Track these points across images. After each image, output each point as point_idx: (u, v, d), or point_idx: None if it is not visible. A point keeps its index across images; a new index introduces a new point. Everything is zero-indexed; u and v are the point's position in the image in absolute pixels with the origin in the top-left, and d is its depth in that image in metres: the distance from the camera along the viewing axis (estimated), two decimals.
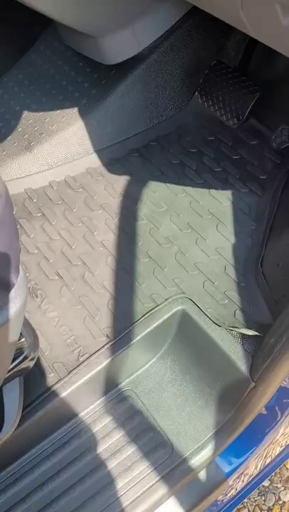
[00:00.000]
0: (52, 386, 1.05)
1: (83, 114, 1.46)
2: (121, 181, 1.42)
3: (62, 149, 1.45)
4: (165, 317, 1.15)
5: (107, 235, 1.32)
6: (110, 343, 1.11)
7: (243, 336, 1.09)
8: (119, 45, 1.44)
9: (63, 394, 1.06)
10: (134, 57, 1.45)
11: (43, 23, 1.67)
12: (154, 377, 1.20)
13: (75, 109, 1.47)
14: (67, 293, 1.22)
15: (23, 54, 1.67)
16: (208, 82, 1.40)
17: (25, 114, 1.51)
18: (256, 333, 1.06)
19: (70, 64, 1.55)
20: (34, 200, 1.40)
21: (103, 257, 1.27)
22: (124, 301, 1.19)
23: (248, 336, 1.08)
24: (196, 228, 1.29)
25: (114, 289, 1.21)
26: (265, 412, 1.14)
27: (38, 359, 1.10)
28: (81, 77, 1.51)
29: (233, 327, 1.10)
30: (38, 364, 1.09)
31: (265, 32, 0.94)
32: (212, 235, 1.28)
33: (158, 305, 1.17)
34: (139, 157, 1.47)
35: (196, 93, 1.45)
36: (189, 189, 1.38)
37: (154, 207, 1.36)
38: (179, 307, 1.16)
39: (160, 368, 1.20)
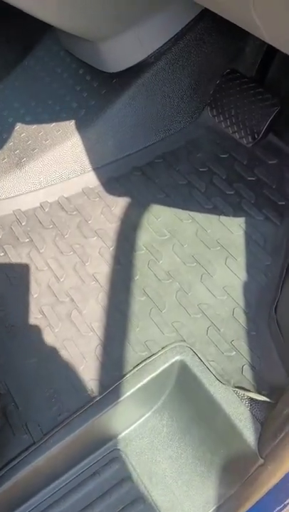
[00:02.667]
0: (23, 452, 0.90)
1: (81, 127, 1.30)
2: (120, 204, 1.27)
3: (56, 167, 1.30)
4: (161, 369, 0.99)
5: (100, 267, 1.16)
6: (95, 400, 0.95)
7: (252, 399, 0.91)
8: (122, 51, 1.28)
9: (37, 461, 0.90)
10: (138, 64, 1.29)
11: (44, 27, 1.53)
12: (147, 435, 1.03)
13: (72, 122, 1.32)
14: (50, 335, 1.06)
15: (22, 60, 1.54)
16: (219, 93, 1.23)
17: (18, 126, 1.37)
18: (267, 399, 0.88)
19: (68, 71, 1.40)
20: (23, 224, 1.26)
21: (94, 292, 1.12)
22: (114, 348, 1.03)
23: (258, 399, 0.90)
24: (202, 262, 1.12)
25: (103, 332, 1.05)
26: (275, 487, 0.96)
27: (9, 415, 0.95)
28: (80, 86, 1.36)
29: (239, 387, 0.93)
30: (8, 422, 0.94)
31: (283, 36, 0.77)
32: (220, 271, 1.11)
33: (153, 354, 1.00)
34: (142, 176, 1.31)
35: (207, 105, 1.28)
36: (196, 215, 1.21)
37: (156, 235, 1.19)
38: (178, 357, 1.00)
39: (155, 425, 1.04)
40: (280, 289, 1.03)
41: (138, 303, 1.08)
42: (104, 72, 1.33)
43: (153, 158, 1.34)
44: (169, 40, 1.26)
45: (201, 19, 1.25)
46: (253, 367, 0.96)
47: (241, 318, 1.03)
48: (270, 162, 1.25)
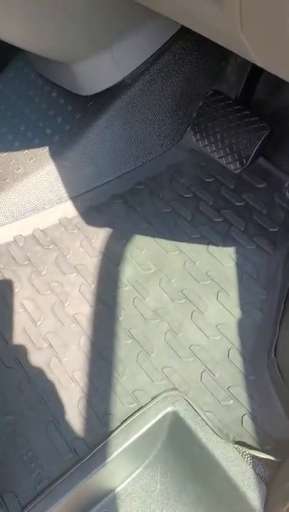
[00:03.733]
0: None
1: (56, 154, 1.21)
2: (101, 235, 1.17)
3: (30, 197, 1.20)
4: (151, 423, 0.89)
5: (81, 307, 1.06)
6: (80, 464, 0.85)
7: (255, 456, 0.82)
8: (97, 73, 1.20)
9: None
10: (114, 86, 1.21)
11: (13, 47, 1.45)
12: (139, 494, 0.93)
13: (46, 149, 1.23)
14: (27, 388, 0.96)
15: None
16: (202, 116, 1.16)
17: None
18: (271, 457, 0.79)
19: (41, 95, 1.32)
20: None
21: (75, 336, 1.02)
22: (99, 401, 0.93)
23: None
24: (192, 298, 1.04)
25: (87, 382, 0.95)
26: None
27: None
28: (53, 111, 1.28)
29: (240, 443, 0.83)
30: None
31: (274, 59, 0.70)
32: (212, 308, 1.02)
33: (142, 407, 0.90)
34: (123, 204, 1.23)
35: (189, 129, 1.20)
36: (183, 246, 1.12)
37: (140, 269, 1.10)
38: (170, 409, 0.90)
39: (147, 482, 0.93)
40: (278, 326, 0.95)
41: (124, 347, 0.99)
42: (79, 95, 1.25)
43: (134, 184, 1.25)
44: (147, 61, 1.19)
45: (179, 37, 1.18)
46: (253, 417, 0.87)
47: (237, 361, 0.94)
48: (258, 186, 1.18)
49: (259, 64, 0.72)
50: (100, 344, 1.00)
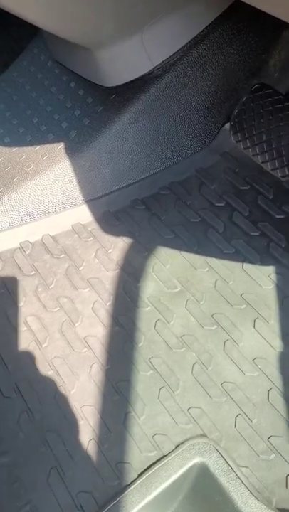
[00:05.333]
0: None
1: (72, 151, 1.07)
2: (118, 246, 1.03)
3: (40, 198, 1.06)
4: (175, 477, 0.74)
5: (94, 329, 0.91)
6: None
7: None
8: (123, 61, 1.06)
9: None
10: (142, 77, 1.07)
11: (29, 32, 1.32)
12: None
13: (61, 145, 1.09)
14: (27, 423, 0.81)
15: (3, 70, 1.31)
16: (246, 113, 1.00)
17: None
18: None
19: (58, 85, 1.18)
20: None
21: (86, 363, 0.87)
22: (112, 446, 0.77)
23: None
24: (224, 324, 0.88)
25: (98, 421, 0.80)
26: None
27: None
28: (71, 103, 1.14)
29: (284, 511, 0.68)
30: None
31: None
32: (248, 337, 0.87)
33: (164, 456, 0.75)
34: (145, 211, 1.08)
35: (228, 126, 1.06)
36: (214, 262, 0.97)
37: (164, 286, 0.95)
38: (197, 460, 0.75)
39: None
40: None
41: (143, 380, 0.84)
42: (101, 86, 1.11)
43: (158, 189, 1.11)
44: (181, 49, 1.04)
45: (219, 24, 1.04)
46: None
47: (280, 404, 0.79)
48: None
49: None
50: (115, 375, 0.85)
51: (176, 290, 0.95)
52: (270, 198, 1.05)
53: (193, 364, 0.85)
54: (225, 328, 0.88)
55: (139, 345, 0.88)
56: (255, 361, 0.84)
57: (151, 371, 0.85)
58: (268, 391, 0.80)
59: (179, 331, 0.89)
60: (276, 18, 1.14)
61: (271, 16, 1.14)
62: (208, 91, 1.09)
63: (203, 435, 0.77)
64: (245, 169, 1.11)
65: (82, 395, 0.83)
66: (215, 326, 0.89)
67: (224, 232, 1.02)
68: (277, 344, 0.85)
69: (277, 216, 1.02)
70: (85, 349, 0.89)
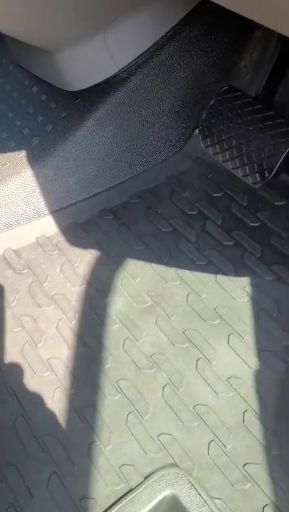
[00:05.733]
0: None
1: (34, 159, 1.01)
2: (86, 259, 0.97)
3: (1, 210, 0.99)
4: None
5: (58, 350, 0.85)
6: None
7: None
8: (86, 64, 1.00)
9: None
10: (107, 80, 1.02)
11: None
12: None
13: (23, 153, 1.02)
14: None
15: None
16: (215, 117, 0.95)
17: None
18: None
19: (19, 89, 1.12)
20: None
21: (48, 388, 0.81)
22: (75, 479, 0.71)
23: None
24: (197, 341, 0.83)
25: (60, 452, 0.74)
26: None
27: None
28: (34, 108, 1.08)
29: None
30: None
31: None
32: (222, 355, 0.81)
33: (132, 489, 0.69)
34: (114, 221, 1.02)
35: (197, 131, 1.01)
36: (186, 274, 0.92)
37: (133, 302, 0.90)
38: (167, 492, 0.69)
39: None
40: None
41: (110, 405, 0.78)
42: (65, 90, 1.05)
43: (128, 198, 1.05)
44: (147, 51, 0.99)
45: (187, 24, 0.99)
46: (278, 509, 0.66)
47: (255, 428, 0.73)
48: (277, 203, 0.98)
49: None
50: (80, 400, 0.78)
51: (146, 305, 0.89)
52: (244, 205, 1.00)
53: (164, 386, 0.79)
54: (197, 346, 0.83)
55: (106, 366, 0.82)
56: (229, 381, 0.78)
57: (119, 395, 0.78)
58: (243, 413, 0.75)
59: (148, 350, 0.83)
60: (246, 18, 1.10)
61: (241, 16, 1.10)
62: (177, 94, 1.04)
63: (174, 464, 0.71)
64: (219, 175, 1.06)
65: (43, 423, 0.77)
66: (187, 344, 0.83)
67: (196, 242, 0.97)
68: (253, 362, 0.80)
69: (252, 224, 0.98)
70: (48, 372, 0.82)
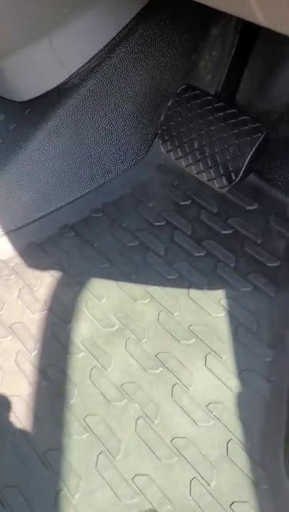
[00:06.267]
0: None
1: None
2: (46, 281, 0.88)
3: None
4: None
5: (17, 387, 0.76)
6: None
7: None
8: (34, 71, 0.93)
9: None
10: (58, 87, 0.94)
11: None
12: None
13: None
14: None
15: None
16: (174, 119, 0.89)
17: None
18: None
19: None
20: None
21: (8, 432, 0.71)
22: None
23: None
24: (171, 365, 0.75)
25: (22, 504, 0.65)
26: None
27: None
28: None
29: None
30: None
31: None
32: (199, 378, 0.73)
33: None
34: (75, 238, 0.94)
35: (157, 137, 0.94)
36: (156, 291, 0.84)
37: (100, 326, 0.81)
38: None
39: None
40: None
41: (77, 446, 0.69)
42: (13, 100, 0.98)
43: (89, 212, 0.98)
44: (98, 54, 0.93)
45: (139, 25, 0.92)
46: None
47: (241, 459, 0.65)
48: (249, 208, 0.92)
49: (264, 22, 0.47)
50: (43, 443, 0.69)
51: (114, 328, 0.81)
52: (214, 211, 0.94)
53: (137, 419, 0.70)
54: (172, 370, 0.75)
55: (72, 401, 0.73)
56: (209, 407, 0.70)
57: (87, 433, 0.70)
58: (227, 443, 0.67)
59: (118, 379, 0.75)
60: (202, 15, 1.04)
61: (196, 12, 1.04)
62: (135, 99, 0.98)
63: (153, 510, 0.63)
64: (185, 182, 0.99)
65: (3, 474, 0.67)
66: (160, 369, 0.75)
67: (165, 255, 0.89)
68: (234, 384, 0.72)
69: (224, 232, 0.91)
70: (6, 413, 0.73)
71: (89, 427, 0.70)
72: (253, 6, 0.48)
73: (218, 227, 0.91)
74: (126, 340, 0.79)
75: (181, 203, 0.96)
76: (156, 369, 0.75)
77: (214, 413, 0.70)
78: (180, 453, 0.67)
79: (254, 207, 0.92)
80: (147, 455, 0.67)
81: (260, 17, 0.48)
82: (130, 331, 0.80)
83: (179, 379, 0.74)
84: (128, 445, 0.68)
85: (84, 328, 0.82)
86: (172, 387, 0.73)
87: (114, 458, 0.67)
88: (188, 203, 0.96)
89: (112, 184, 1.01)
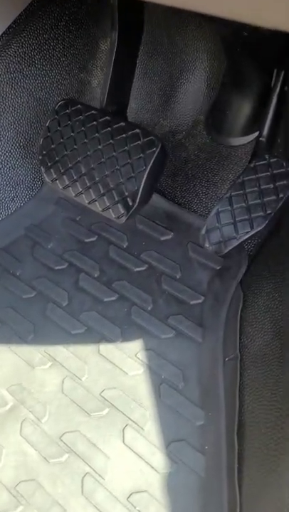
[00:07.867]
0: None
1: None
2: None
3: None
4: None
5: None
6: None
7: None
8: None
9: None
10: None
11: None
12: None
13: None
14: None
15: None
16: (54, 140, 0.73)
17: None
18: None
19: None
20: None
21: None
22: None
23: None
24: (80, 448, 0.58)
25: None
26: None
27: None
28: None
29: None
30: None
31: None
32: (117, 462, 0.57)
33: None
34: None
35: (42, 167, 0.80)
36: (59, 352, 0.68)
37: None
38: None
39: None
40: (235, 480, 0.52)
41: None
42: None
43: None
44: None
45: (11, 41, 0.79)
46: None
47: None
48: (162, 238, 0.79)
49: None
50: None
51: (6, 408, 0.64)
52: (124, 246, 0.80)
53: None
54: (81, 455, 0.58)
55: None
56: (131, 500, 0.54)
57: None
58: None
59: (11, 478, 0.57)
60: (87, 26, 0.93)
61: (80, 23, 0.93)
62: (18, 125, 0.84)
63: None
64: (89, 215, 0.85)
65: None
66: (66, 455, 0.58)
67: (69, 304, 0.74)
68: (160, 463, 0.57)
69: (137, 269, 0.77)
70: None
71: None
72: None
73: (129, 264, 0.78)
74: (22, 423, 0.62)
75: (86, 240, 0.82)
76: (60, 456, 0.58)
77: (138, 508, 0.53)
78: None
79: (169, 236, 0.80)
80: None
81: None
82: (27, 408, 0.63)
83: (90, 466, 0.57)
84: None
85: None
86: (82, 478, 0.56)
87: None
88: (93, 239, 0.82)
89: (2, 226, 0.86)
